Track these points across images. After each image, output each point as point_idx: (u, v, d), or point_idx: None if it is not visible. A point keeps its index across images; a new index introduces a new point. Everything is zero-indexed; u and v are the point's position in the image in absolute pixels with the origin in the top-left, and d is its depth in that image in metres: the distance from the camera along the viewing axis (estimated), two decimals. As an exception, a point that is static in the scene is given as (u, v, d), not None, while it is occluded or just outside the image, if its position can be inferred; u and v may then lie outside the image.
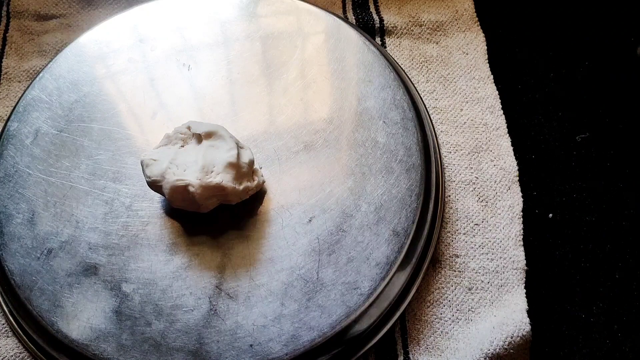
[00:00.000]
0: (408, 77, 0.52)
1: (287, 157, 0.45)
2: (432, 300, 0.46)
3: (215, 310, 0.40)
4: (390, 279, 0.41)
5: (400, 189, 0.44)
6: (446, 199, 0.49)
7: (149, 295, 0.41)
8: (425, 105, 0.51)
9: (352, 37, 0.50)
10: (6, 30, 0.59)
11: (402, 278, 0.43)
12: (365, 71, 0.49)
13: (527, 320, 0.43)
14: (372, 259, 0.41)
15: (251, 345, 0.39)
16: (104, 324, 0.40)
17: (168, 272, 0.41)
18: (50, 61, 0.51)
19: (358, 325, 0.41)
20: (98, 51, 0.51)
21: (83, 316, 0.40)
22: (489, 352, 0.42)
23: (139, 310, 0.40)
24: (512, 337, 0.42)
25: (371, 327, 0.42)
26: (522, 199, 0.49)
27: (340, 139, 0.46)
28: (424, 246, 0.44)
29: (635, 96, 0.55)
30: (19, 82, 0.56)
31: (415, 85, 0.54)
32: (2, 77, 0.56)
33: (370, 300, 0.40)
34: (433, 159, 0.47)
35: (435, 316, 0.45)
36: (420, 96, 0.51)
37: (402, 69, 0.53)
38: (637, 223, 0.50)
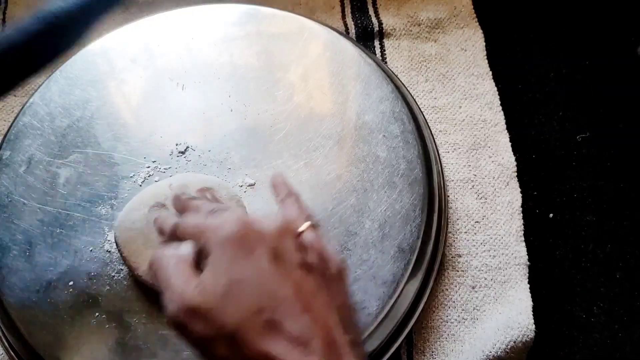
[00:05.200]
0: (406, 87, 0.51)
1: (287, 176, 0.44)
2: (437, 304, 0.45)
3: (222, 337, 0.39)
4: (398, 297, 0.41)
5: (404, 204, 0.43)
6: (446, 199, 0.48)
7: (152, 324, 0.40)
8: (424, 116, 0.51)
9: (348, 49, 0.50)
10: None
11: (409, 295, 0.42)
12: (363, 84, 0.48)
13: (533, 327, 0.43)
14: (378, 278, 0.41)
15: (260, 372, 0.38)
16: (109, 357, 0.39)
17: (171, 300, 0.40)
18: (40, 84, 0.49)
19: (368, 345, 0.40)
20: (88, 73, 0.50)
21: (86, 350, 0.39)
22: (490, 354, 0.42)
23: (144, 341, 0.39)
24: (515, 342, 0.42)
25: (381, 345, 0.41)
26: (520, 195, 0.49)
27: (340, 155, 0.45)
28: (430, 261, 0.44)
29: (635, 96, 0.55)
30: (15, 96, 0.55)
31: (415, 85, 0.54)
32: None
33: (379, 319, 0.40)
34: (435, 170, 0.46)
35: (441, 320, 0.45)
36: (419, 107, 0.51)
37: (399, 78, 0.52)
38: (637, 223, 0.50)
